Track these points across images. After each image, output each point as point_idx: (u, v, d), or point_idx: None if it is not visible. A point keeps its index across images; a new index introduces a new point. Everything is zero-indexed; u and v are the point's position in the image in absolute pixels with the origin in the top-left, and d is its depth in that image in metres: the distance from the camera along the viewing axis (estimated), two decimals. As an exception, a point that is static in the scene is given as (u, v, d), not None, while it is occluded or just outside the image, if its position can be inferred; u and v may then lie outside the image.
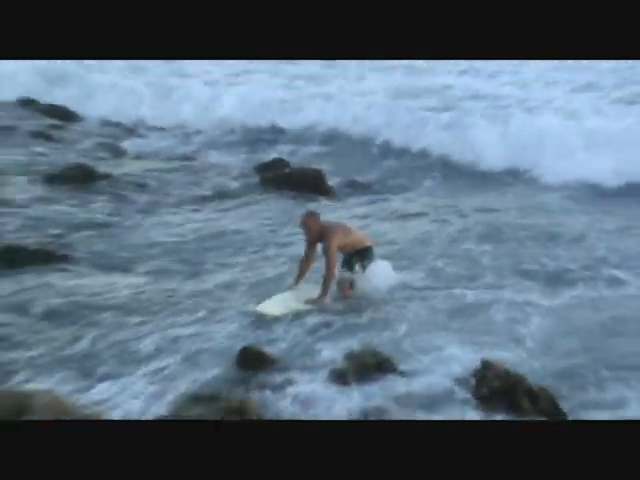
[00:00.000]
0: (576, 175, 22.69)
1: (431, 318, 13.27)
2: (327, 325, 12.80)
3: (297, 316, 12.95)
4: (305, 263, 13.78)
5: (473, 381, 10.58)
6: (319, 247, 13.70)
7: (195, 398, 9.95)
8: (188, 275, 15.29)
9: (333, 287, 13.58)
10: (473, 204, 20.83)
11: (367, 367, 11.06)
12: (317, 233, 13.58)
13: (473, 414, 10.10)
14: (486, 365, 10.64)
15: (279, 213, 19.95)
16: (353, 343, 12.01)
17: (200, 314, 13.25)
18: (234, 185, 22.39)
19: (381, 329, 12.80)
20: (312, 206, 19.26)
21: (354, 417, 9.91)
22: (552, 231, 18.28)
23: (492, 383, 10.40)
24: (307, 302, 13.24)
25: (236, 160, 25.61)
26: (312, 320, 12.88)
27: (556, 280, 15.08)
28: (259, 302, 13.28)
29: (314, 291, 13.47)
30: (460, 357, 11.58)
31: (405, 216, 20.07)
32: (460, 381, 10.82)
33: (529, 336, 12.57)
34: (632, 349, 12.17)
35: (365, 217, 19.57)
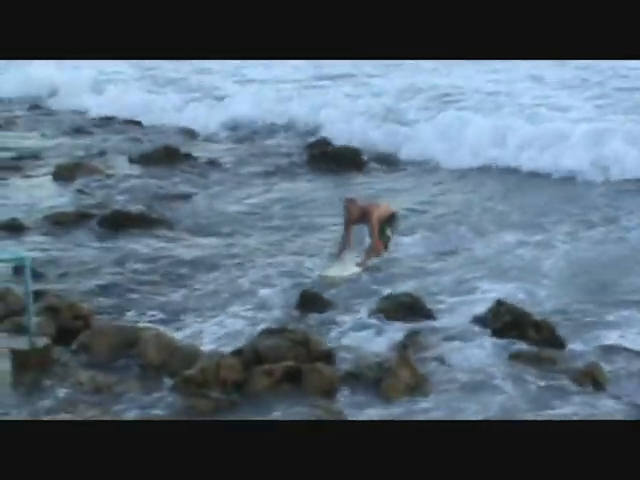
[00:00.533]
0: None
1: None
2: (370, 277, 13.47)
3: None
4: (346, 239, 14.12)
5: (490, 316, 11.02)
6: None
7: (269, 332, 10.50)
8: (260, 236, 15.77)
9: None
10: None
11: (402, 306, 11.58)
12: (357, 215, 14.03)
13: (489, 342, 10.58)
14: (499, 303, 11.13)
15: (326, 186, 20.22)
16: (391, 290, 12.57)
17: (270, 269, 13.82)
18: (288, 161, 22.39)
19: (413, 277, 13.39)
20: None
21: (393, 346, 10.48)
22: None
23: (504, 318, 10.87)
24: (358, 265, 13.69)
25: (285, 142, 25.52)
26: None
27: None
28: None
29: (356, 258, 13.95)
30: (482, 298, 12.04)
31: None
32: (479, 317, 11.24)
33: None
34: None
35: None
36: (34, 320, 9.75)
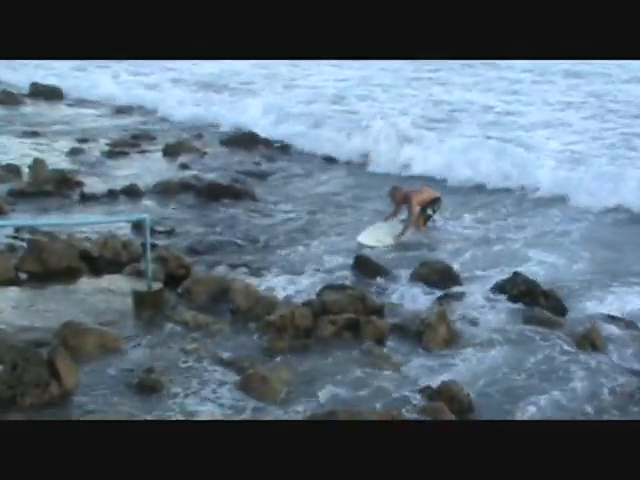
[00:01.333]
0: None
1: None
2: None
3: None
4: (392, 214, 13.99)
5: (508, 286, 10.76)
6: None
7: (332, 288, 10.30)
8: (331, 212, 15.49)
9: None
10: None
11: (436, 272, 11.33)
12: (401, 199, 13.80)
13: (504, 306, 10.30)
14: (516, 274, 10.85)
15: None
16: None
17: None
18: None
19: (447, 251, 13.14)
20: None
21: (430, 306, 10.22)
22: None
23: (519, 287, 10.61)
24: (394, 238, 13.46)
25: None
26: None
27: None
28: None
29: (397, 228, 13.71)
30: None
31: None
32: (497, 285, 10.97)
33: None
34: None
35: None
36: (151, 268, 9.60)
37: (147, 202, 15.25)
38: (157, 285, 9.73)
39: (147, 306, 9.38)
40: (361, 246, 13.08)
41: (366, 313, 9.50)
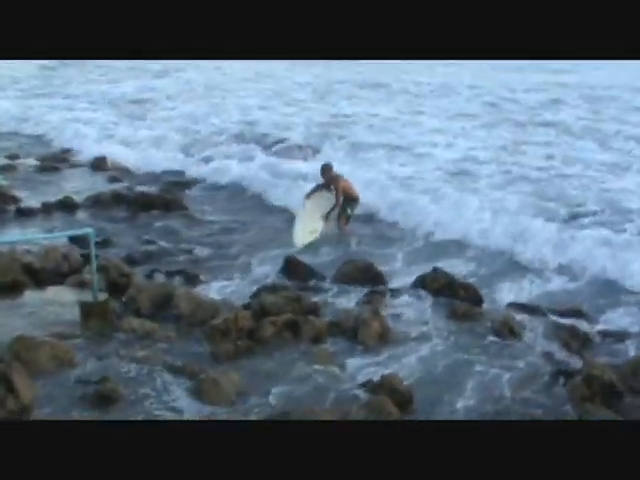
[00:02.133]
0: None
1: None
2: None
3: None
4: (316, 188, 13.77)
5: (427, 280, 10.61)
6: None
7: (267, 289, 9.93)
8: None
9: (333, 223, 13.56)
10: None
11: (360, 270, 11.10)
12: (328, 177, 13.53)
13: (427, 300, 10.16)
14: (435, 270, 10.70)
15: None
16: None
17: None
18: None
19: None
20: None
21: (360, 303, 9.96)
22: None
23: (439, 281, 10.48)
24: (322, 219, 13.19)
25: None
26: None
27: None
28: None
29: (319, 206, 13.36)
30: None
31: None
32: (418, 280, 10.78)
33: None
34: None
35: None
36: (97, 279, 9.10)
37: (81, 215, 14.53)
38: (102, 295, 9.21)
39: (94, 316, 8.85)
40: (301, 248, 12.65)
41: (303, 313, 9.19)
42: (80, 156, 19.88)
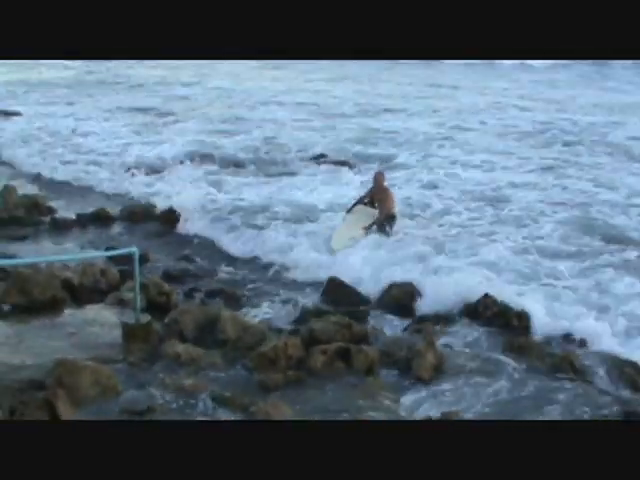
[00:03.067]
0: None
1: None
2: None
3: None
4: (364, 197, 13.40)
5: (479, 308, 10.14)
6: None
7: (312, 313, 9.53)
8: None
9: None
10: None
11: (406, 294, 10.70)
12: (380, 188, 13.17)
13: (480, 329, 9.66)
14: (486, 296, 10.23)
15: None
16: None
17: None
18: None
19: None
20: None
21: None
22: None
23: (492, 309, 10.00)
24: (363, 229, 12.73)
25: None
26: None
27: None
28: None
29: (362, 219, 12.97)
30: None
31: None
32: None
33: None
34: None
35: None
36: (140, 300, 8.71)
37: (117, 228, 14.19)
38: (145, 317, 8.81)
39: (137, 339, 8.47)
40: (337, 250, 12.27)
41: (353, 340, 8.75)
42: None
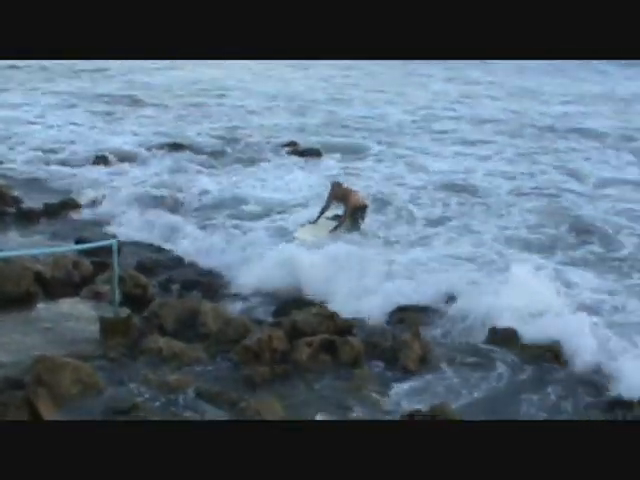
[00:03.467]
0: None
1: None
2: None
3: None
4: (325, 208, 13.09)
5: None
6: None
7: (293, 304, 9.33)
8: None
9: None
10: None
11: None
12: (340, 194, 13.00)
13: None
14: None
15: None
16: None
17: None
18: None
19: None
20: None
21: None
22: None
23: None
24: (330, 232, 12.61)
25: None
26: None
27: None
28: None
29: (327, 224, 12.85)
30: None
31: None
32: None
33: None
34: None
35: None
36: (118, 294, 8.44)
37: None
38: (124, 311, 8.54)
39: (116, 334, 8.20)
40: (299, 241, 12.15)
41: (337, 332, 8.59)
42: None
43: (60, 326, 8.43)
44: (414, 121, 23.50)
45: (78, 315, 8.78)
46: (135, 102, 25.68)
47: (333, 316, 8.81)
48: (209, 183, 15.77)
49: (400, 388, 7.76)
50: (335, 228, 12.73)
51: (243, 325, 8.60)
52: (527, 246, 12.39)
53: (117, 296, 8.38)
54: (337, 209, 13.06)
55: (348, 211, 12.82)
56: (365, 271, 10.63)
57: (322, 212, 13.14)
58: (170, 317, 8.68)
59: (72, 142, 19.42)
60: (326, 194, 13.25)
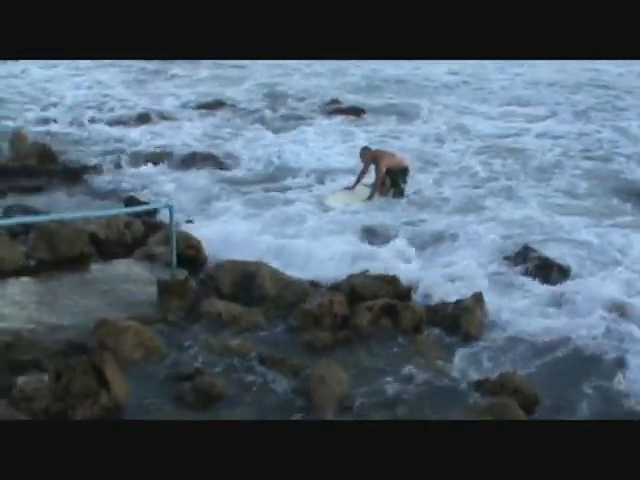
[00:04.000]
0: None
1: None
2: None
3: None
4: (361, 175, 12.57)
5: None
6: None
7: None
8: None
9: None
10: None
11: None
12: (370, 159, 12.48)
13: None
14: (526, 248, 9.85)
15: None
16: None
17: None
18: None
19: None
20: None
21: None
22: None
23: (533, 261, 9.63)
24: (362, 201, 12.10)
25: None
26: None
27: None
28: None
29: (364, 192, 12.33)
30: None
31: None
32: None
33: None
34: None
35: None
36: (175, 255, 8.32)
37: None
38: (181, 273, 8.42)
39: (173, 296, 8.08)
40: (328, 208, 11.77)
41: (396, 297, 8.40)
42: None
43: (117, 288, 8.35)
44: (465, 82, 22.89)
45: (133, 277, 8.70)
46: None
47: (394, 281, 8.60)
48: (250, 145, 15.50)
49: (464, 355, 7.56)
50: (370, 196, 12.22)
51: (301, 289, 8.45)
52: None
53: (175, 258, 8.25)
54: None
55: (380, 176, 12.25)
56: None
57: (359, 179, 12.60)
58: (227, 280, 8.54)
59: (113, 101, 19.27)
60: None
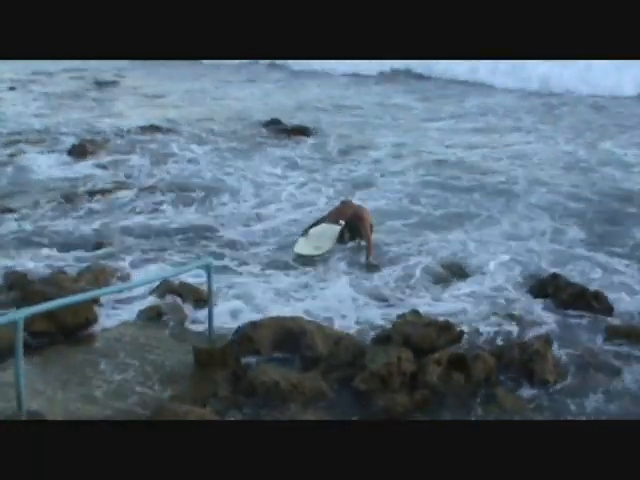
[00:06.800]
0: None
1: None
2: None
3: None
4: (319, 222, 11.13)
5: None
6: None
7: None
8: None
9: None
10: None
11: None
12: (350, 215, 10.97)
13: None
14: (555, 276, 9.20)
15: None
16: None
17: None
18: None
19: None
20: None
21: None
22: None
23: (565, 290, 8.99)
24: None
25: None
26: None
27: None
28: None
29: (329, 229, 10.89)
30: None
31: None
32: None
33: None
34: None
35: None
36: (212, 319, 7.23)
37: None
38: (221, 339, 7.31)
39: (214, 367, 6.95)
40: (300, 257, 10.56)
41: (452, 342, 7.60)
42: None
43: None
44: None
45: (156, 344, 7.50)
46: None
47: (450, 327, 7.75)
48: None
49: (553, 405, 6.80)
50: (367, 257, 10.53)
51: (353, 344, 7.48)
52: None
53: (212, 322, 7.14)
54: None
55: (366, 232, 10.72)
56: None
57: (314, 225, 11.17)
58: (266, 340, 7.49)
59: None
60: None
